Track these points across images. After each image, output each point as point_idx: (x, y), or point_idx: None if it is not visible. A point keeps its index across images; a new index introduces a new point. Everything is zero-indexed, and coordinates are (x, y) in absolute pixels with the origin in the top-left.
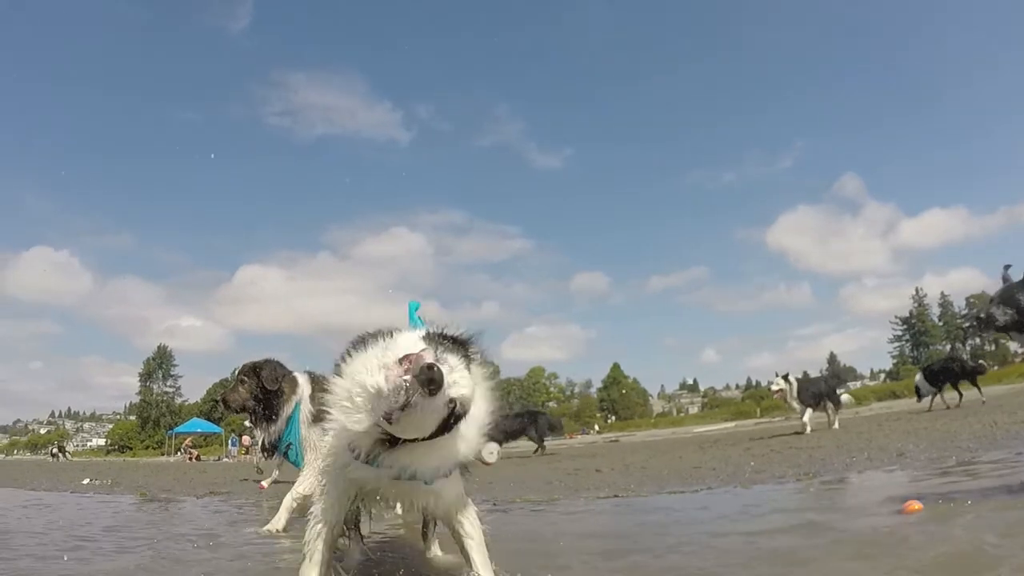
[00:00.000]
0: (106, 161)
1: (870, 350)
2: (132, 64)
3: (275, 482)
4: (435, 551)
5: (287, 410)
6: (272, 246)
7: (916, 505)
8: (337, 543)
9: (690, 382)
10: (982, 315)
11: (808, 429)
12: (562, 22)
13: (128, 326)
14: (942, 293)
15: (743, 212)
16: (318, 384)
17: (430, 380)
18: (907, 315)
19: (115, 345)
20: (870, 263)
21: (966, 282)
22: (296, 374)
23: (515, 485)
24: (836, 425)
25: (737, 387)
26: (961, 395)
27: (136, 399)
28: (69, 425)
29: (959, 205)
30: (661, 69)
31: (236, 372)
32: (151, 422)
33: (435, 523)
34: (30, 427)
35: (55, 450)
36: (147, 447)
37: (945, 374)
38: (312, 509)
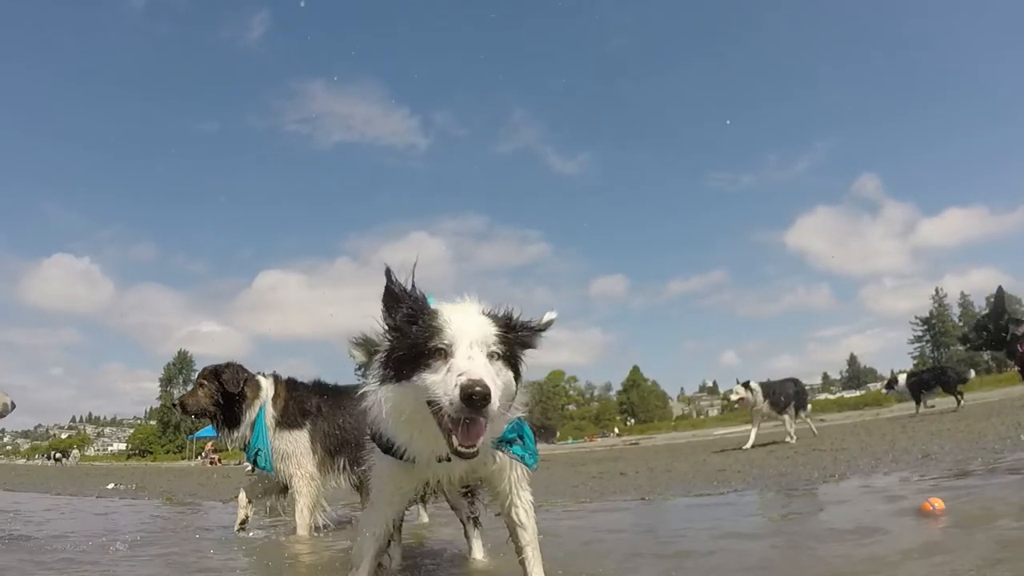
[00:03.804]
0: (127, 171)
1: (890, 351)
2: (151, 76)
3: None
4: (476, 553)
5: (251, 415)
6: (291, 253)
7: (939, 504)
8: (383, 550)
9: (710, 384)
10: (961, 335)
11: (794, 437)
12: (579, 27)
13: (149, 333)
14: (962, 293)
15: (762, 215)
16: (281, 387)
17: (481, 398)
18: (927, 315)
19: (136, 352)
20: (890, 263)
21: (986, 281)
22: (259, 377)
23: (540, 489)
24: (793, 435)
25: None
26: (959, 401)
27: (157, 404)
28: (90, 430)
29: (978, 204)
30: (678, 74)
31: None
32: (172, 427)
33: (477, 525)
34: (51, 432)
35: (58, 455)
36: (168, 452)
37: (930, 383)
38: (360, 518)
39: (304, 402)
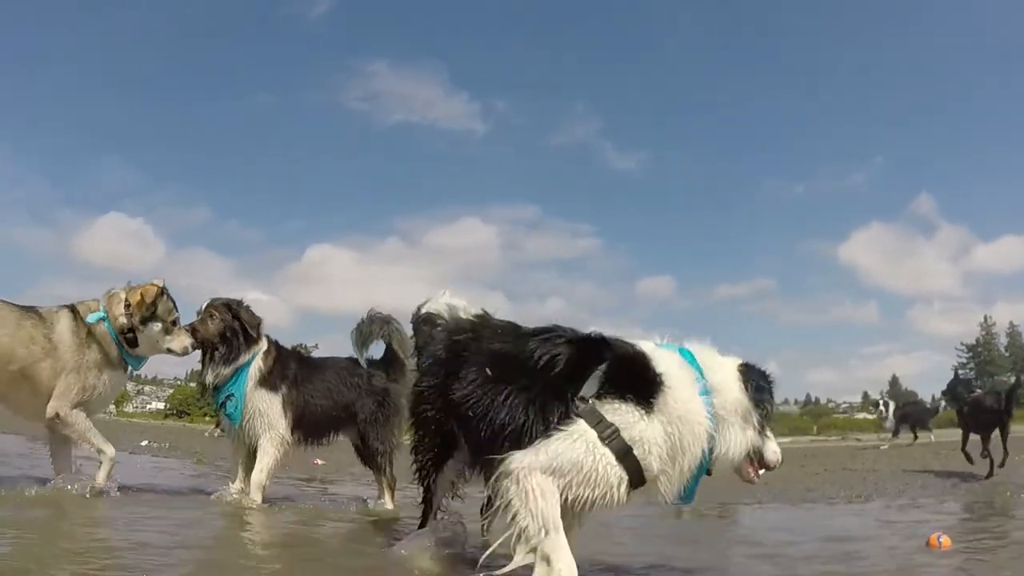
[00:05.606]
0: (186, 137)
1: (934, 375)
2: (213, 47)
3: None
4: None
5: (242, 359)
6: (342, 228)
7: (947, 541)
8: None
9: None
10: (943, 392)
11: None
12: (646, 24)
13: (196, 297)
14: (1011, 323)
15: (813, 225)
16: (272, 346)
17: None
18: (973, 342)
19: (182, 314)
20: (940, 286)
21: None
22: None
23: None
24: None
25: (796, 402)
26: (916, 436)
27: (198, 367)
28: (130, 387)
29: None
30: (743, 77)
31: (204, 306)
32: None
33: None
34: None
35: None
36: (205, 414)
37: (909, 419)
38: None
39: (287, 366)
